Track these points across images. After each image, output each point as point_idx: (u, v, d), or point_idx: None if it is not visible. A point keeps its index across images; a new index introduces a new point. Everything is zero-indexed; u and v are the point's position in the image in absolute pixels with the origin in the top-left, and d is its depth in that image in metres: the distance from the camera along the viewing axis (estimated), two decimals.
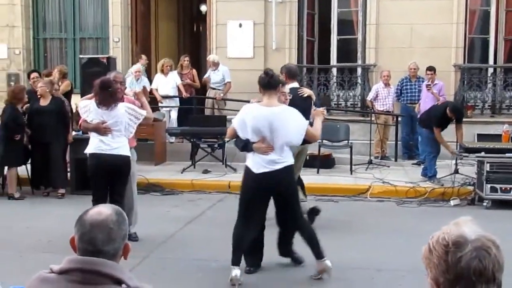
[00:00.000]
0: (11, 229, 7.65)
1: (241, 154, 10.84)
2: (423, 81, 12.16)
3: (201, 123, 11.87)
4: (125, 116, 6.58)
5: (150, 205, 8.73)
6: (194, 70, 13.67)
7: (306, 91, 7.29)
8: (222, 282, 5.60)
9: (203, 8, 16.93)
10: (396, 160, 12.26)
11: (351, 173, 10.98)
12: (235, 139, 5.88)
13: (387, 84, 12.53)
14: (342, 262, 5.99)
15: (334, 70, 13.69)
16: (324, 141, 11.26)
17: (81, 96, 7.51)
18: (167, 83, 13.03)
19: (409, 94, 12.52)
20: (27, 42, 14.53)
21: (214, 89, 13.07)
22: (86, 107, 6.67)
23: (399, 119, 12.52)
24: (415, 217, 8.43)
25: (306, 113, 6.08)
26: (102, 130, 6.56)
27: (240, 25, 13.44)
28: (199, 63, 16.63)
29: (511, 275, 2.24)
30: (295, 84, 7.32)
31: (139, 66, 13.04)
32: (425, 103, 11.42)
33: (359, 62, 13.58)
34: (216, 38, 13.72)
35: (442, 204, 9.15)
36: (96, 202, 6.07)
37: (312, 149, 9.85)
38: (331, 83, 13.62)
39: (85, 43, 14.65)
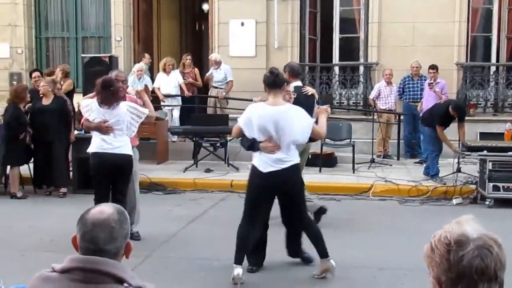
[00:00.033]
0: (13, 228, 7.66)
1: (243, 153, 10.86)
2: (425, 80, 12.15)
3: (203, 122, 11.86)
4: (127, 115, 6.58)
5: (152, 204, 8.73)
6: (196, 69, 13.67)
7: (310, 90, 7.31)
8: (224, 281, 5.60)
9: (205, 6, 16.94)
10: (398, 159, 12.25)
11: (354, 172, 10.97)
12: (240, 138, 5.87)
13: (389, 83, 12.52)
14: (344, 260, 5.98)
15: (336, 69, 13.68)
16: (326, 139, 11.25)
17: (83, 95, 7.50)
18: (169, 82, 13.03)
19: (411, 93, 12.52)
20: (29, 41, 14.55)
21: (216, 88, 13.07)
22: (88, 106, 6.67)
23: (402, 117, 12.50)
24: (417, 215, 8.42)
25: (309, 112, 6.08)
26: (104, 129, 6.56)
27: (242, 24, 13.44)
28: (201, 62, 16.65)
29: None
30: (299, 83, 7.34)
31: (141, 65, 13.05)
32: (428, 101, 11.41)
33: (361, 60, 13.58)
34: (218, 37, 13.73)
35: (444, 202, 9.14)
36: (98, 201, 6.07)
37: (314, 148, 9.84)
38: (333, 81, 13.61)
39: (87, 42, 14.67)
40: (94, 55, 11.60)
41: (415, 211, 8.75)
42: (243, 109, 11.76)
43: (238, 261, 5.58)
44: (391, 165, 11.64)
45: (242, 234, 5.66)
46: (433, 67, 11.91)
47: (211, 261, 6.30)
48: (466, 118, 10.23)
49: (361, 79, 13.53)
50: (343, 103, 13.60)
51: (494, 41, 13.28)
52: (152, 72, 14.12)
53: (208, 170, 10.96)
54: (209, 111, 13.39)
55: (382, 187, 9.80)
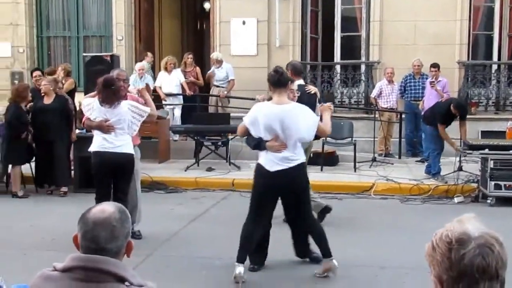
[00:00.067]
0: (15, 227, 7.66)
1: (245, 151, 10.87)
2: (427, 78, 12.14)
3: (204, 120, 11.86)
4: (128, 114, 6.58)
5: (154, 203, 8.74)
6: (197, 68, 13.66)
7: (312, 89, 7.34)
8: (226, 280, 5.60)
9: (206, 5, 16.96)
10: (400, 158, 12.24)
11: (355, 171, 10.97)
12: (246, 137, 5.86)
13: (390, 81, 12.51)
14: (345, 259, 5.98)
15: (338, 67, 13.68)
16: (327, 138, 11.24)
17: (85, 94, 7.52)
18: (171, 81, 13.03)
19: (413, 91, 12.51)
20: (30, 41, 14.56)
21: (217, 86, 13.07)
22: (89, 105, 6.68)
23: (403, 116, 12.49)
24: (419, 214, 8.42)
25: (312, 110, 6.09)
26: (105, 128, 6.56)
27: (244, 23, 13.43)
28: (203, 60, 16.66)
29: None
30: (301, 81, 7.36)
31: (143, 63, 13.05)
32: (429, 100, 11.40)
33: (363, 59, 13.57)
34: (220, 36, 13.73)
35: (446, 201, 9.14)
36: (99, 200, 6.06)
37: (316, 146, 9.84)
38: (334, 80, 13.61)
39: (89, 41, 14.67)
40: (95, 54, 11.62)
41: (416, 210, 8.75)
42: (245, 108, 11.79)
43: (241, 259, 5.58)
44: (392, 164, 11.63)
45: (247, 233, 5.66)
46: (435, 66, 11.91)
47: (212, 260, 6.30)
48: (468, 116, 10.22)
49: (363, 77, 13.52)
50: (344, 101, 13.60)
51: (496, 39, 13.27)
52: (153, 71, 14.12)
53: (209, 169, 10.96)
54: (211, 110, 13.39)
55: (384, 185, 9.79)
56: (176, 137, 12.94)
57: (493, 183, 8.80)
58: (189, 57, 13.57)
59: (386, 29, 13.16)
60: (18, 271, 5.23)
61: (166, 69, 13.10)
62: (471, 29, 13.14)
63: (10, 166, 9.66)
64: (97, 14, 14.58)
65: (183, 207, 8.91)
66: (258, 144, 5.61)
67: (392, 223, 7.94)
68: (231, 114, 12.02)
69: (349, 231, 7.46)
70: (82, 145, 8.61)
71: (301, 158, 5.64)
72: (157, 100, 12.22)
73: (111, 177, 6.65)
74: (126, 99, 6.72)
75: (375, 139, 12.13)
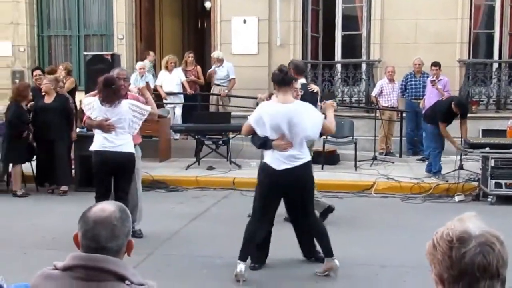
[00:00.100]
0: (15, 226, 7.67)
1: (245, 150, 10.88)
2: (427, 77, 12.13)
3: (205, 119, 11.86)
4: (129, 113, 6.58)
5: (154, 202, 8.74)
6: (198, 67, 13.65)
7: (314, 87, 7.37)
8: (226, 279, 5.60)
9: (207, 4, 16.96)
10: (400, 156, 12.23)
11: (356, 169, 10.96)
12: (251, 136, 5.85)
13: (391, 80, 12.50)
14: (346, 258, 5.98)
15: (339, 66, 13.68)
16: (328, 137, 11.24)
17: (85, 93, 7.52)
18: (172, 80, 13.03)
19: (413, 90, 12.50)
20: (31, 40, 14.56)
21: (218, 85, 13.07)
22: (90, 104, 6.67)
23: (404, 115, 12.49)
24: (420, 213, 8.42)
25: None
26: (105, 127, 6.56)
27: (245, 21, 13.43)
28: (204, 59, 16.65)
29: None
30: (303, 80, 7.37)
31: (144, 63, 13.05)
32: (430, 98, 11.39)
33: (364, 58, 13.57)
34: (221, 35, 13.73)
35: (446, 200, 9.13)
36: (99, 199, 6.07)
37: (317, 145, 9.84)
38: (335, 79, 13.60)
39: (90, 40, 14.67)
40: (96, 53, 11.63)
41: (417, 209, 8.75)
42: (246, 107, 11.80)
43: (243, 257, 5.59)
44: (393, 162, 11.62)
45: (251, 231, 5.67)
46: (436, 64, 11.89)
47: (213, 258, 6.30)
48: (469, 115, 10.21)
49: (364, 76, 13.52)
50: (345, 100, 13.59)
51: (497, 37, 13.26)
52: (154, 69, 14.12)
53: (210, 168, 10.96)
54: (212, 108, 13.39)
55: (384, 184, 9.79)
56: (177, 136, 12.94)
57: (493, 181, 8.80)
58: (190, 56, 13.56)
59: (387, 28, 13.15)
60: (18, 270, 5.24)
61: (167, 68, 13.10)
62: (472, 27, 13.13)
63: (10, 165, 9.67)
64: (98, 13, 14.57)
65: (183, 206, 8.91)
66: (264, 143, 5.60)
67: (393, 222, 7.94)
68: (232, 113, 12.02)
69: (350, 230, 7.46)
70: (83, 144, 8.61)
71: (307, 157, 5.64)
72: (158, 99, 12.23)
73: (111, 176, 6.66)
74: (127, 98, 6.72)
75: (376, 137, 12.12)
